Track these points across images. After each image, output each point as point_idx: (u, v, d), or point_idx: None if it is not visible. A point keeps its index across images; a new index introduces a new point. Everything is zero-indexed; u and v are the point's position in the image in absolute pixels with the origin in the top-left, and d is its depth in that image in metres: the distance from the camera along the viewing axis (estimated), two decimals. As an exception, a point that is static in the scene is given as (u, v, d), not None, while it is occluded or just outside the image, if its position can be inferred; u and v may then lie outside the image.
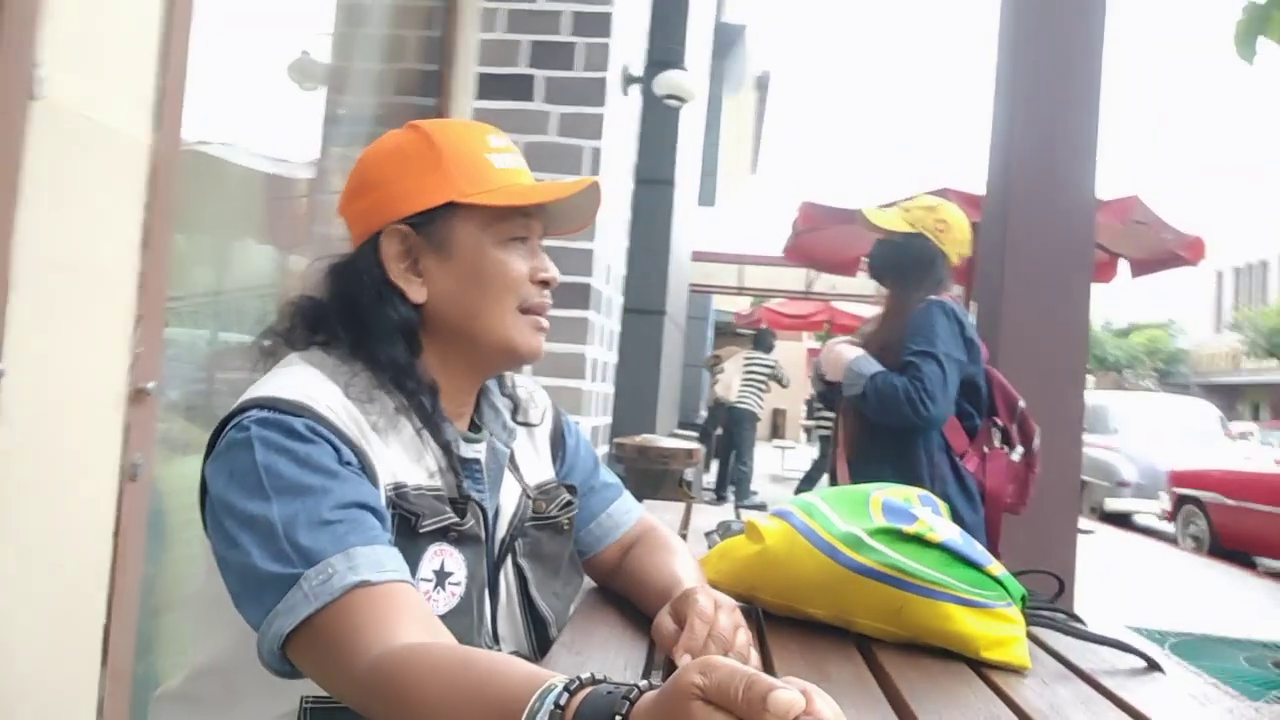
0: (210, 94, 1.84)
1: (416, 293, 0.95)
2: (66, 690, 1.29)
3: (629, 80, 3.68)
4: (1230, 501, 7.23)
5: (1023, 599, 1.02)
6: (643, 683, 0.55)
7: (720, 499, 8.22)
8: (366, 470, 0.86)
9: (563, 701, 0.56)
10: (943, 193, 4.94)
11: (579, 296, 3.24)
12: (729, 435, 8.35)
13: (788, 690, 0.46)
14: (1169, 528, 8.26)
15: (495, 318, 0.95)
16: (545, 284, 0.98)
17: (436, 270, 0.95)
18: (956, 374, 2.14)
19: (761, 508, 7.75)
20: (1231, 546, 7.29)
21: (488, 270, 0.94)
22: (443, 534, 0.91)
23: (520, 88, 3.24)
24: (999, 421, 2.26)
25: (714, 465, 8.93)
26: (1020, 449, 2.23)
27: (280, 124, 2.44)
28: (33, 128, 1.15)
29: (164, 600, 1.84)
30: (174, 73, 1.41)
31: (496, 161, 0.96)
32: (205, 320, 2.08)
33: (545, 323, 0.99)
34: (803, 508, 1.07)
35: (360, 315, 0.93)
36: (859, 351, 2.29)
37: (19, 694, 1.19)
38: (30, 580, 1.21)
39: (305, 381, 0.88)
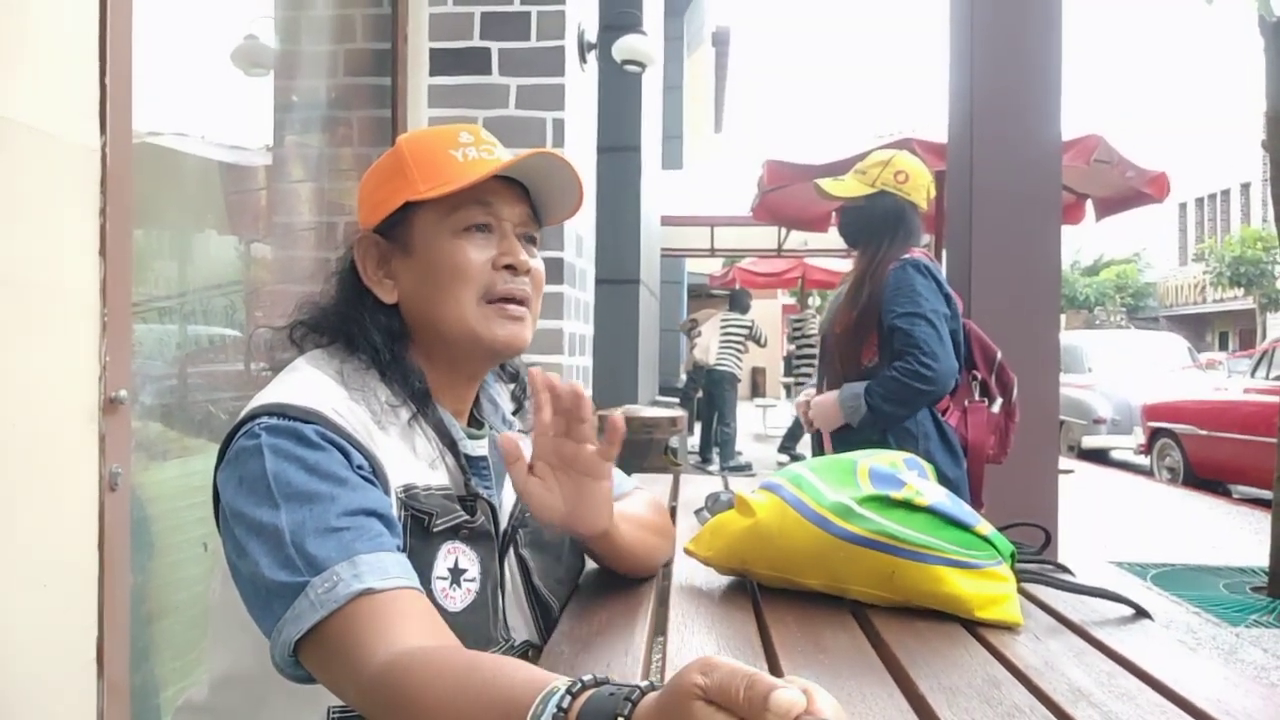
0: (157, 90, 1.79)
1: (387, 294, 0.97)
2: (65, 704, 1.28)
3: (587, 47, 3.62)
4: (1202, 432, 7.36)
5: (1012, 555, 1.03)
6: (644, 683, 0.55)
7: (705, 462, 8.26)
8: (378, 473, 0.87)
9: (565, 704, 0.56)
10: (906, 143, 4.92)
11: (551, 271, 3.19)
12: (710, 398, 8.38)
13: (789, 690, 0.46)
14: (1145, 461, 8.41)
15: (454, 308, 0.94)
16: (512, 269, 0.95)
17: (402, 270, 0.97)
18: (946, 328, 2.13)
19: (747, 467, 7.83)
20: (1206, 476, 7.43)
21: (442, 261, 0.94)
22: (455, 532, 0.92)
23: (476, 61, 3.18)
24: (978, 374, 2.27)
25: (697, 429, 8.96)
26: (999, 400, 2.24)
27: (232, 114, 2.38)
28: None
29: (156, 607, 1.83)
30: (118, 72, 1.37)
31: (460, 156, 0.96)
32: (172, 320, 2.04)
33: (518, 310, 0.96)
34: (792, 480, 1.07)
35: (342, 317, 0.96)
36: (834, 391, 2.28)
37: (17, 711, 1.19)
38: (20, 597, 1.20)
39: (314, 386, 0.88)
